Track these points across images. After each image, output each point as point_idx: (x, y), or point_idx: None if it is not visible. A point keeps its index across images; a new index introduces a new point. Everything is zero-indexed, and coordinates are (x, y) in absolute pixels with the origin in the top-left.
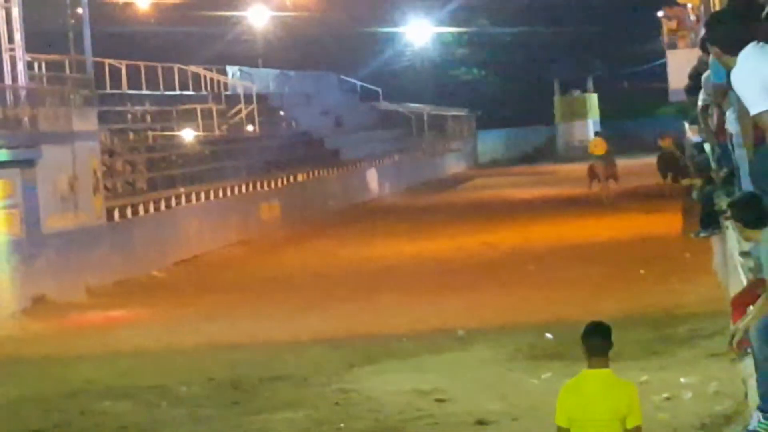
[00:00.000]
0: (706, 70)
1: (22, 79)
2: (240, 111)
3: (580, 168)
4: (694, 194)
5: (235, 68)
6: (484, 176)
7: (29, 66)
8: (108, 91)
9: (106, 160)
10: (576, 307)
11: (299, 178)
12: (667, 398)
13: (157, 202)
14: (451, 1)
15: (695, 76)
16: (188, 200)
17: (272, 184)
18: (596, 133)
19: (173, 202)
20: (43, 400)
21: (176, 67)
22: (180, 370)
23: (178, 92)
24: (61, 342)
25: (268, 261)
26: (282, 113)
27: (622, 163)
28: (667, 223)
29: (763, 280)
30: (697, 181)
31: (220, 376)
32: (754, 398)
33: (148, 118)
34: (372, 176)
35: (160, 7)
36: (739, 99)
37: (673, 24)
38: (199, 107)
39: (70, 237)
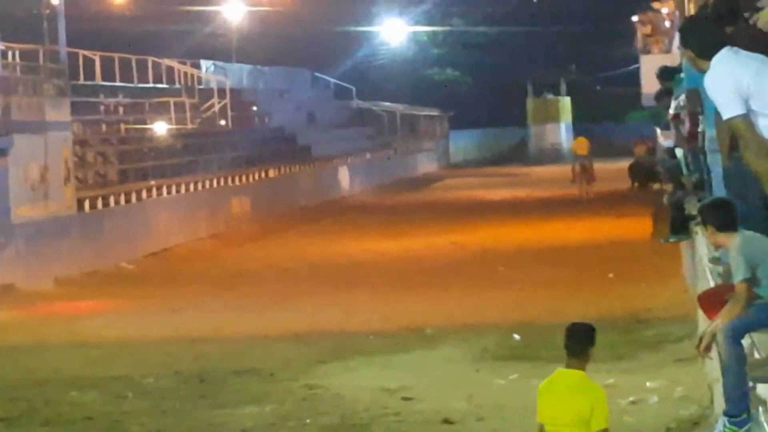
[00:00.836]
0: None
1: None
2: (213, 105)
3: (552, 170)
4: (665, 199)
5: (209, 63)
6: (455, 176)
7: (3, 55)
8: (81, 82)
9: (78, 151)
10: (544, 309)
11: (270, 173)
12: (633, 402)
13: (128, 194)
14: (426, 1)
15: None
16: (159, 193)
17: (243, 179)
18: (580, 134)
19: (144, 194)
20: (10, 388)
21: (150, 59)
22: (147, 362)
23: (151, 85)
24: (29, 331)
25: (238, 255)
26: (255, 108)
27: (594, 166)
28: (638, 227)
29: (732, 285)
30: (668, 187)
31: (187, 368)
32: (719, 403)
33: (121, 110)
34: (343, 174)
35: None
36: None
37: (648, 29)
38: (172, 100)
39: (40, 227)
